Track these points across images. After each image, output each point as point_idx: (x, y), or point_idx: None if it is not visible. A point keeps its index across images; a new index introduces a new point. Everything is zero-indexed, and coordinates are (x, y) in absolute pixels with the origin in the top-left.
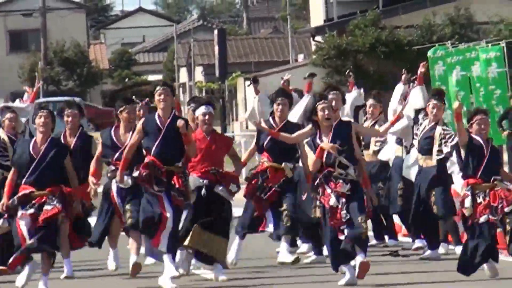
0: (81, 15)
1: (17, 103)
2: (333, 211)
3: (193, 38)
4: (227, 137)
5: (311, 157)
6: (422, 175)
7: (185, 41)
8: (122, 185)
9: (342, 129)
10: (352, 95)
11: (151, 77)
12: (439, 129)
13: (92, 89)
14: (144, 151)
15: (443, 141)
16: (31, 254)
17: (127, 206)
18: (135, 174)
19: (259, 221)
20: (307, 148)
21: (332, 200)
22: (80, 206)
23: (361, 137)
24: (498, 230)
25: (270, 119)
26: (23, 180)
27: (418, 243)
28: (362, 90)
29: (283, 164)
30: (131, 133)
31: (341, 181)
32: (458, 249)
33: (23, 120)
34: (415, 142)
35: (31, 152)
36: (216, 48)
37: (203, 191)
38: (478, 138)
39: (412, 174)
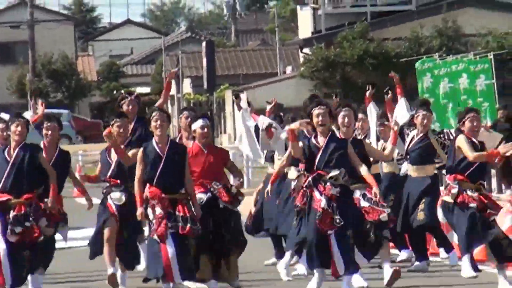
0: (69, 27)
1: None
2: (324, 215)
3: (181, 50)
4: (223, 149)
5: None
6: (413, 184)
7: (173, 53)
8: (117, 202)
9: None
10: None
11: (139, 89)
12: (433, 140)
13: (80, 101)
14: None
15: (443, 149)
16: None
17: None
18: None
19: None
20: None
21: (323, 203)
22: (55, 205)
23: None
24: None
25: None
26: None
27: (404, 253)
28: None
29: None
30: (122, 147)
31: (329, 184)
32: (453, 258)
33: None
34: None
35: (7, 158)
36: (204, 60)
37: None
38: (474, 139)
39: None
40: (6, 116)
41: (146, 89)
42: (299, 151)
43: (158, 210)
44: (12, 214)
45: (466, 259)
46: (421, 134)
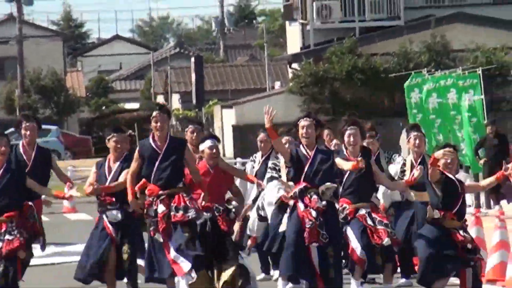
0: (58, 43)
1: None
2: (313, 228)
3: (170, 65)
4: (228, 173)
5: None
6: (419, 209)
7: (162, 68)
8: (113, 220)
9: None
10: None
11: (128, 105)
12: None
13: (69, 117)
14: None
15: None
16: None
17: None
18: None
19: None
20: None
21: (314, 213)
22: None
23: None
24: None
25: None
26: None
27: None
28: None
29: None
30: (119, 163)
31: (315, 196)
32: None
33: None
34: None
35: None
36: (193, 75)
37: (207, 225)
38: (451, 176)
39: None
40: None
41: (135, 105)
42: (283, 148)
43: (161, 208)
44: None
45: None
46: (420, 159)
